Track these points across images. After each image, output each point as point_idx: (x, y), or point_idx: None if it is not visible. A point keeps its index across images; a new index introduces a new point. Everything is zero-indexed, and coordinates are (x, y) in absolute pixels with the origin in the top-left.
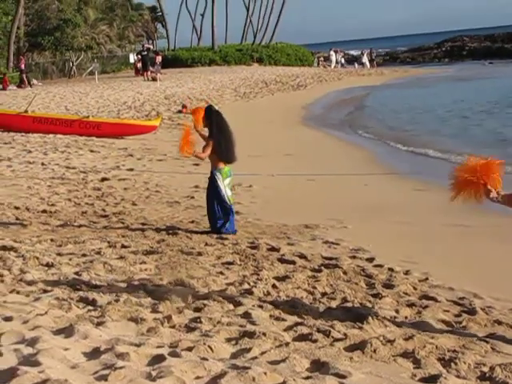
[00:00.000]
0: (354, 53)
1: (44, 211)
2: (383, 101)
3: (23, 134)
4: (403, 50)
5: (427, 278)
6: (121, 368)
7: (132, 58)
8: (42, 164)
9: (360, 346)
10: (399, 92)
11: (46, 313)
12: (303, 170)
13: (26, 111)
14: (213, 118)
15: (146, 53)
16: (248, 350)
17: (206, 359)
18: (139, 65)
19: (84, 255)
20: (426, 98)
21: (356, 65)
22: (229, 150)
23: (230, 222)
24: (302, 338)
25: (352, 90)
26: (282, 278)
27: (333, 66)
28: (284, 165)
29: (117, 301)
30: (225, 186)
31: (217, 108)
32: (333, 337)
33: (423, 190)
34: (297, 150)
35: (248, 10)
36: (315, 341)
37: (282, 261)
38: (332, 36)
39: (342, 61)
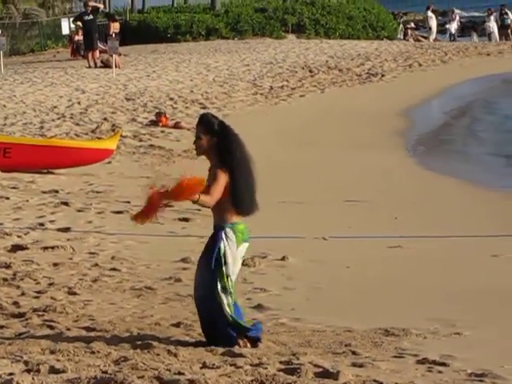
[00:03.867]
0: (471, 14)
1: None
2: None
3: None
4: None
5: None
6: None
7: (66, 26)
8: None
9: None
10: None
11: None
12: (382, 229)
13: None
14: (221, 134)
15: (91, 17)
16: None
17: None
18: (79, 39)
19: None
20: None
21: (475, 36)
22: (251, 193)
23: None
24: None
25: (471, 84)
26: None
27: (432, 37)
28: (346, 219)
29: None
30: (237, 256)
31: (219, 118)
32: None
33: None
34: (371, 193)
35: None
36: None
37: None
38: None
39: (454, 29)
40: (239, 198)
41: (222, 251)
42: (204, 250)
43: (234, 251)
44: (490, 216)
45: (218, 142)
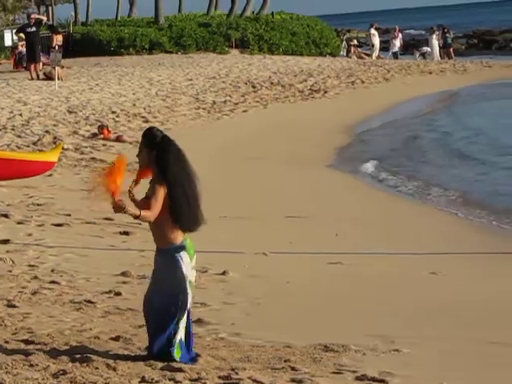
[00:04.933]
0: (412, 32)
1: None
2: (469, 125)
3: None
4: (504, 29)
5: None
6: None
7: (9, 38)
8: None
9: None
10: (498, 109)
11: None
12: (322, 245)
13: None
14: (161, 148)
15: (34, 29)
16: None
17: None
18: (21, 50)
19: None
20: None
21: (417, 54)
22: (193, 208)
23: (189, 340)
24: None
25: (413, 101)
26: None
27: (375, 55)
28: (287, 235)
29: None
30: (190, 269)
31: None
32: None
33: None
34: (311, 208)
35: None
36: None
37: None
38: (372, 2)
39: (397, 47)
40: (178, 214)
41: (184, 276)
42: (160, 268)
43: (189, 271)
44: (429, 232)
45: (157, 155)
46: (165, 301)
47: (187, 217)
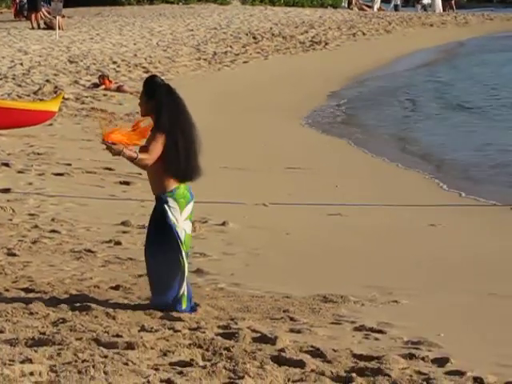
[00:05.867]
0: None
1: None
2: (467, 76)
3: None
4: None
5: None
6: None
7: None
8: None
9: None
10: (497, 61)
11: None
12: (321, 196)
13: None
14: (161, 96)
15: None
16: None
17: None
18: None
19: None
20: None
21: (419, 7)
22: (189, 158)
23: (187, 291)
24: None
25: (409, 56)
26: None
27: (376, 7)
28: (286, 186)
29: None
30: (183, 219)
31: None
32: None
33: None
34: (310, 160)
35: None
36: None
37: (279, 361)
38: None
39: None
40: (174, 162)
41: (171, 222)
42: (154, 218)
43: (180, 219)
44: (425, 187)
45: (157, 104)
46: (155, 250)
47: (183, 166)
